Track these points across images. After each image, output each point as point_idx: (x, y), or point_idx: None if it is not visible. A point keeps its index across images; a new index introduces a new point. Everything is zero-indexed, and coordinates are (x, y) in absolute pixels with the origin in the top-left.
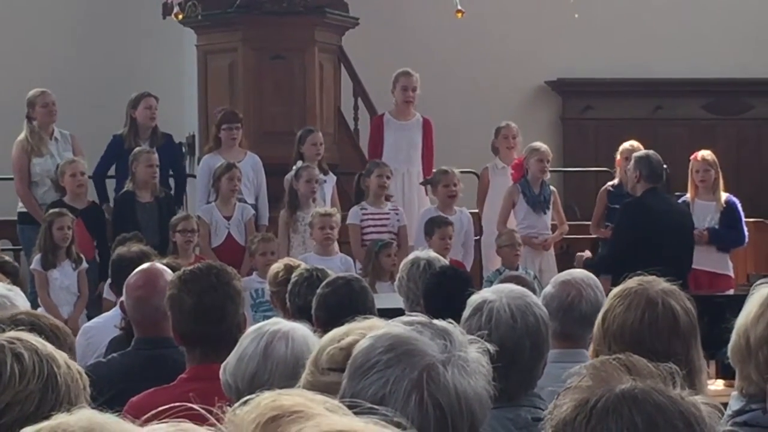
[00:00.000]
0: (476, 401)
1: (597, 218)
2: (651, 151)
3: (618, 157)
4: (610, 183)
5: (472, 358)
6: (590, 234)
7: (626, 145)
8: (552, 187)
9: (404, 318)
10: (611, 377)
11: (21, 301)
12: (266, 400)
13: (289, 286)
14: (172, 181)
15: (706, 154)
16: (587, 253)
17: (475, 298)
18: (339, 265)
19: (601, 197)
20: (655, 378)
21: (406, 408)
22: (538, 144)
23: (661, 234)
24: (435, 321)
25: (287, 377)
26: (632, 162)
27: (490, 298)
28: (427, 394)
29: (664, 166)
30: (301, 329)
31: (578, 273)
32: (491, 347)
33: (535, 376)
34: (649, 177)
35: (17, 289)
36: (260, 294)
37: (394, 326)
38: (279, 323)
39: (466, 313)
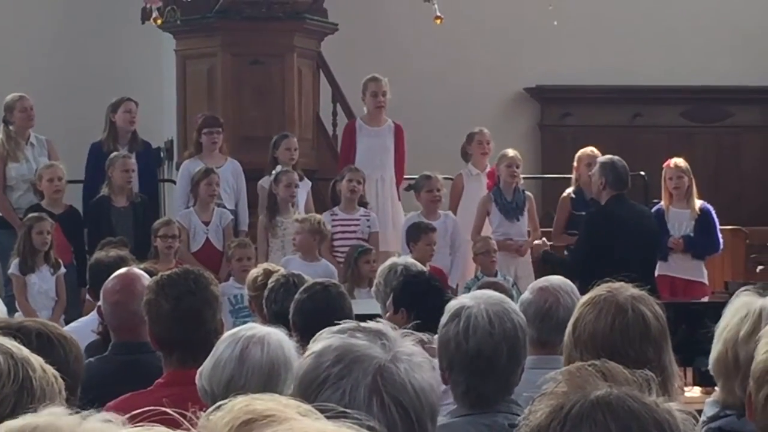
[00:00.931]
0: (431, 392)
1: (560, 226)
2: (615, 157)
3: (576, 163)
4: (570, 190)
5: (412, 352)
6: (563, 243)
7: (586, 151)
8: (528, 194)
9: (333, 328)
10: (587, 383)
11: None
12: (239, 405)
13: (266, 292)
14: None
15: (678, 161)
16: (544, 243)
17: (453, 304)
18: (323, 272)
19: (563, 205)
20: (630, 384)
21: (370, 413)
22: (506, 150)
23: (626, 241)
24: (363, 324)
25: (263, 382)
26: (597, 168)
27: (468, 303)
28: (386, 395)
29: (642, 173)
30: (276, 334)
31: (556, 279)
32: (425, 336)
33: (513, 383)
34: (614, 183)
35: None
36: (239, 300)
37: (330, 338)
38: (254, 328)
39: (444, 319)
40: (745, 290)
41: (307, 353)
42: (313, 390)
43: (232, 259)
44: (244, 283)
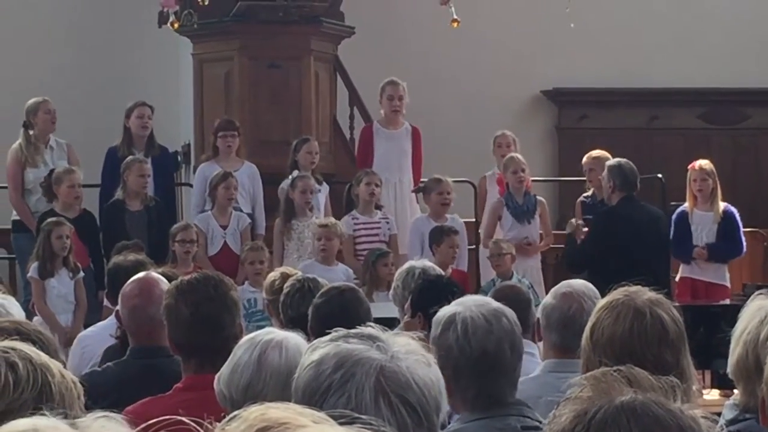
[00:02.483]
0: (434, 387)
1: None
2: (623, 159)
3: (584, 167)
4: (584, 195)
5: (409, 350)
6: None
7: (595, 153)
8: (540, 198)
9: (323, 338)
10: (612, 389)
11: (16, 310)
12: (254, 414)
13: (282, 297)
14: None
15: (704, 163)
16: (578, 224)
17: (442, 315)
18: (341, 276)
19: (576, 210)
20: (655, 391)
21: (378, 414)
22: (511, 155)
23: (636, 242)
24: (354, 330)
25: (281, 386)
26: (605, 172)
27: (459, 310)
28: (392, 394)
29: (659, 175)
30: (294, 338)
31: (578, 284)
32: (417, 335)
33: (518, 377)
34: (623, 185)
35: (11, 299)
36: (253, 303)
37: (326, 346)
38: (272, 332)
39: (437, 330)
40: (760, 293)
41: (305, 364)
42: (317, 399)
43: (245, 263)
44: (257, 287)
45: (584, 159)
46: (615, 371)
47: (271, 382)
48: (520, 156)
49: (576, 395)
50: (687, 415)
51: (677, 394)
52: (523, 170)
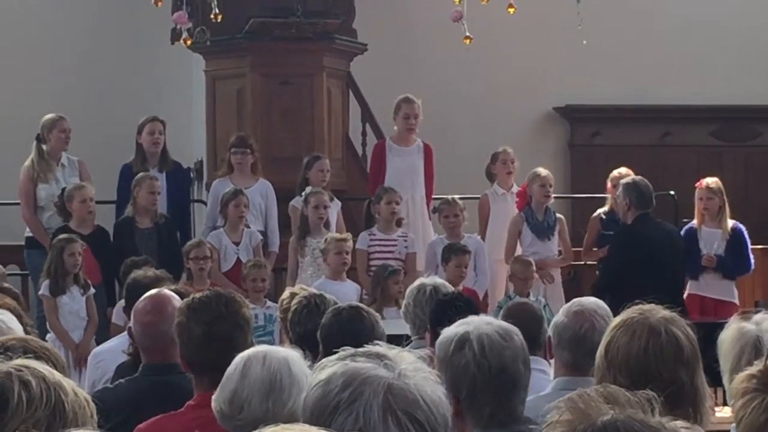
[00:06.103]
0: (441, 404)
1: (589, 244)
2: (639, 177)
3: (609, 184)
4: (601, 210)
5: (416, 367)
6: (593, 259)
7: (616, 172)
8: (560, 215)
9: (331, 357)
10: (590, 408)
11: (15, 325)
12: None
13: (289, 315)
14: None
15: (710, 181)
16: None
17: (451, 335)
18: (352, 291)
19: (593, 224)
20: (633, 406)
21: None
22: (540, 169)
23: (654, 260)
24: (361, 349)
25: (265, 393)
26: (620, 190)
27: (470, 329)
28: (400, 411)
29: (671, 192)
30: (283, 352)
31: (589, 303)
32: (424, 352)
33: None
34: (638, 203)
35: (8, 313)
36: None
37: (334, 365)
38: (262, 347)
39: (448, 350)
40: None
41: (313, 383)
42: (326, 418)
43: (246, 279)
44: (257, 303)
45: (615, 174)
46: (591, 391)
47: (254, 390)
48: (548, 171)
49: (556, 420)
50: (669, 428)
51: (654, 407)
52: (550, 185)
